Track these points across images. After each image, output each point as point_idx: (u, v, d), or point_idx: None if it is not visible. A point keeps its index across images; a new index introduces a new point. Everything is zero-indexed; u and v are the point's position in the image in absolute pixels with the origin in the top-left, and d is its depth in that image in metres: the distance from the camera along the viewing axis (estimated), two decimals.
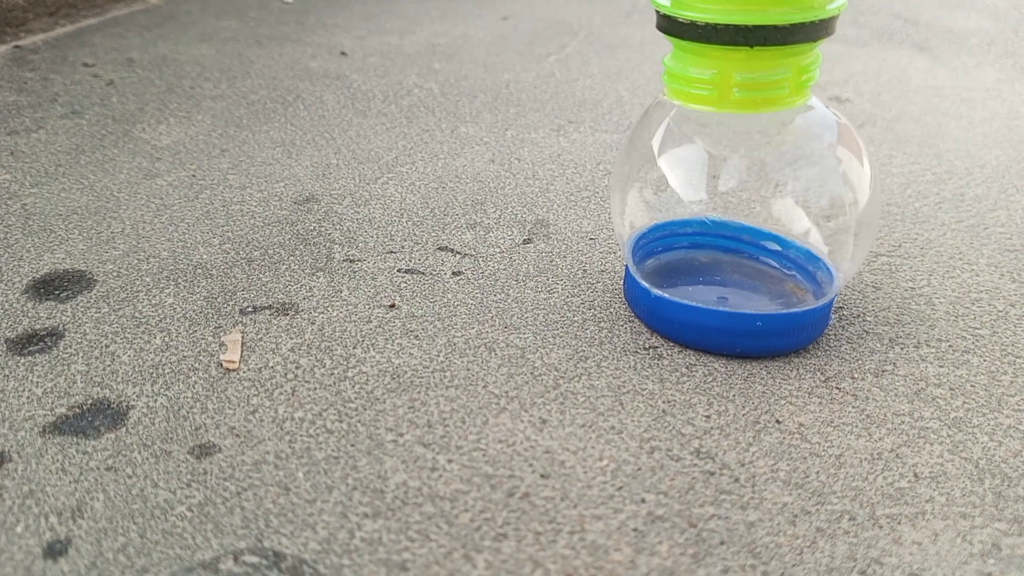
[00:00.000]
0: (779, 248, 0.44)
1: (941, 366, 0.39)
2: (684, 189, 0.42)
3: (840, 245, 0.40)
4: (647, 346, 0.40)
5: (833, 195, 0.40)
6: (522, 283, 0.45)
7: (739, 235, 0.45)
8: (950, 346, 0.41)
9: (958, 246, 0.50)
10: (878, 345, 0.40)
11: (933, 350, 0.40)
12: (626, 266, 0.42)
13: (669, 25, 0.35)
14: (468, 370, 0.38)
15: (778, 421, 0.35)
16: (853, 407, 0.36)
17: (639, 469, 0.33)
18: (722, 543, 0.30)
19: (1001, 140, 0.67)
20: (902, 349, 0.40)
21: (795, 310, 0.39)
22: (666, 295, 0.39)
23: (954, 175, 0.60)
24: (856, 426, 0.35)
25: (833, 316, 0.42)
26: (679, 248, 0.46)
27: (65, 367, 0.38)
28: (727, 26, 0.34)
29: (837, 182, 0.40)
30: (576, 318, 0.42)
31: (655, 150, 0.41)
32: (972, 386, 0.38)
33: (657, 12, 0.36)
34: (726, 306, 0.41)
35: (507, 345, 0.40)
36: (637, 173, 0.42)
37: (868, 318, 0.42)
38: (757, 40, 0.34)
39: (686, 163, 0.42)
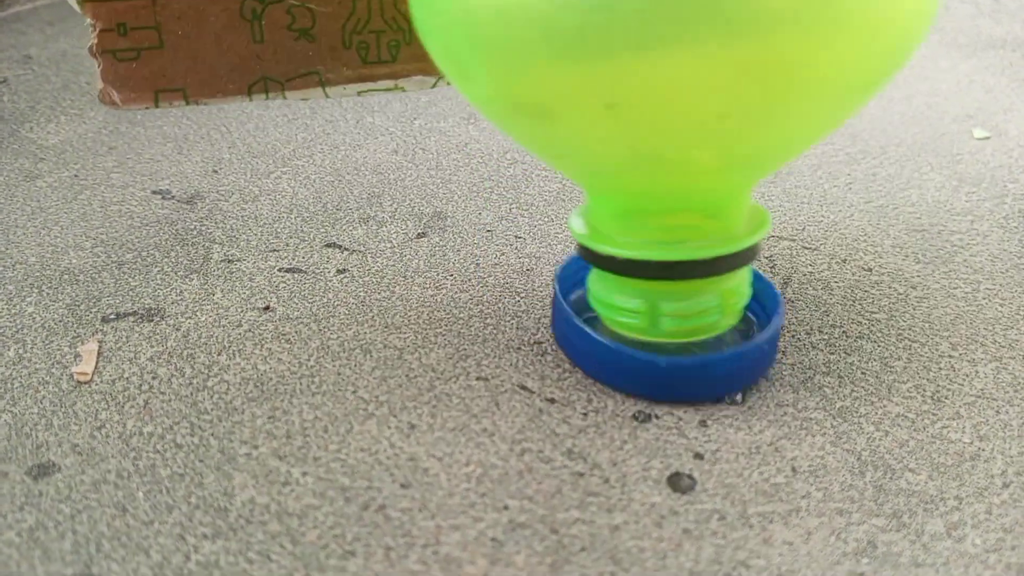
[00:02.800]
0: None
1: (832, 353, 0.38)
2: None
3: None
4: (532, 342, 0.38)
5: None
6: (410, 279, 0.43)
7: None
8: (843, 332, 0.39)
9: (864, 228, 0.49)
10: None
11: (825, 337, 0.39)
12: (555, 296, 0.37)
13: (589, 255, 0.34)
14: (339, 374, 0.36)
15: (656, 416, 0.34)
16: (735, 399, 0.35)
17: (506, 473, 0.31)
18: (583, 549, 0.28)
19: (920, 118, 0.66)
20: (793, 337, 0.39)
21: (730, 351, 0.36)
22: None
23: (868, 155, 0.59)
24: (736, 419, 0.34)
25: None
26: None
27: None
28: (648, 262, 0.32)
29: None
30: (462, 315, 0.40)
31: None
32: (863, 373, 0.37)
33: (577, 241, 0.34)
34: None
35: (384, 346, 0.38)
36: None
37: None
38: (680, 274, 0.32)
39: None
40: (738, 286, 0.35)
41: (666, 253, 0.32)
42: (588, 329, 0.35)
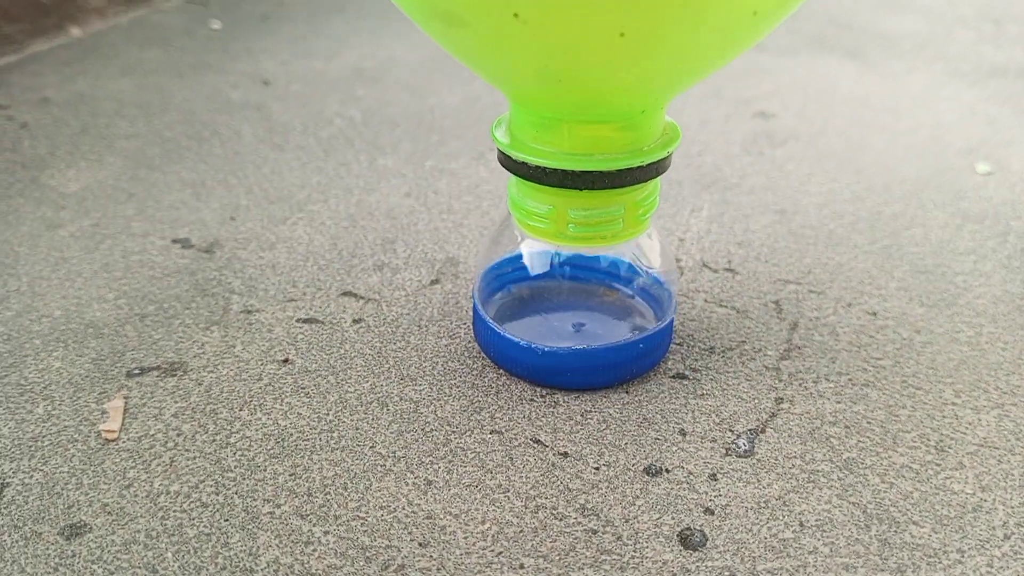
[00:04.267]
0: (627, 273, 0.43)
1: (839, 402, 0.39)
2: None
3: None
4: (544, 392, 0.39)
5: None
6: (424, 328, 0.44)
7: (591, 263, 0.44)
8: (850, 380, 0.40)
9: (869, 270, 0.50)
10: (776, 382, 0.40)
11: (832, 385, 0.40)
12: (474, 304, 0.41)
13: (506, 160, 0.36)
14: (357, 429, 0.37)
15: (667, 470, 0.35)
16: (745, 451, 0.36)
17: (521, 531, 0.32)
18: None
19: (923, 152, 0.67)
20: (800, 385, 0.40)
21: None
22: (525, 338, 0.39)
23: (872, 192, 0.60)
24: (746, 472, 0.35)
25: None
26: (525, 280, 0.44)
27: None
28: (556, 170, 0.34)
29: None
30: (475, 364, 0.41)
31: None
32: (868, 423, 0.38)
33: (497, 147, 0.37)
34: (582, 332, 0.41)
35: (401, 399, 0.39)
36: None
37: (769, 352, 0.42)
38: (586, 184, 0.34)
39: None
40: (645, 198, 0.37)
41: (574, 163, 0.34)
42: (491, 322, 0.39)
